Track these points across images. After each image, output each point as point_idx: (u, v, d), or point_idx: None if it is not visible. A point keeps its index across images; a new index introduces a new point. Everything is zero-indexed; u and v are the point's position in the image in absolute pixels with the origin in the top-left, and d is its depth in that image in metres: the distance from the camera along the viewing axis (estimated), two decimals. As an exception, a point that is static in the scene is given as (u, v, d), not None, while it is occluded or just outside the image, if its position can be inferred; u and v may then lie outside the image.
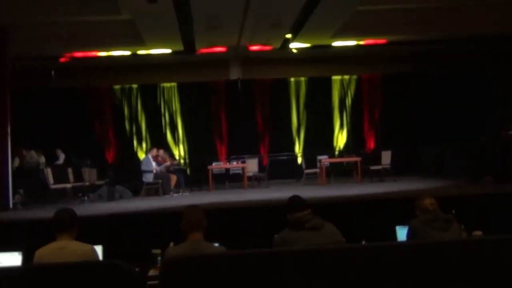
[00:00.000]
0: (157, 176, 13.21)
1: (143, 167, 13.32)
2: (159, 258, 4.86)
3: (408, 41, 14.59)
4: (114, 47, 13.93)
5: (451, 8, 12.60)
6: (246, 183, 14.15)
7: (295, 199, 4.59)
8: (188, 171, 15.96)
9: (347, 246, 3.63)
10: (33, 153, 13.74)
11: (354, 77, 17.35)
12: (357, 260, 2.74)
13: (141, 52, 14.37)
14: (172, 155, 15.32)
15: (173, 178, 13.46)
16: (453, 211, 5.47)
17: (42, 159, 13.96)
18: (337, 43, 14.54)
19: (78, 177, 13.09)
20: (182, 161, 16.53)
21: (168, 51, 14.39)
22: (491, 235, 3.31)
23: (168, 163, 13.82)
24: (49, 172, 12.30)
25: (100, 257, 4.54)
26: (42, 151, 14.17)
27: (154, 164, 13.41)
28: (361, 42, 14.70)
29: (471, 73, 16.10)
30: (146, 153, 14.27)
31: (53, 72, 15.51)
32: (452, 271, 2.71)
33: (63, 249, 4.03)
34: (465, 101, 15.98)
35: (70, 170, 13.12)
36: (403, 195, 10.10)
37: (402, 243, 4.41)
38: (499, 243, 2.85)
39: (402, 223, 5.18)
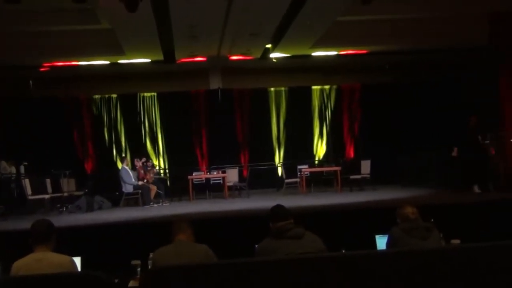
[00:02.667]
0: (137, 186, 13.13)
1: (123, 178, 13.23)
2: (138, 269, 4.82)
3: (386, 51, 14.76)
4: (94, 56, 13.87)
5: (426, 19, 12.83)
6: (226, 193, 14.12)
7: (278, 208, 4.59)
8: (168, 181, 15.88)
9: (327, 255, 3.64)
10: (4, 163, 13.58)
11: (334, 86, 17.46)
12: (337, 269, 2.75)
13: (120, 61, 14.32)
14: (153, 165, 15.21)
15: (153, 189, 13.39)
16: (432, 220, 5.51)
17: (13, 170, 13.79)
18: (316, 53, 14.64)
19: (56, 187, 12.93)
20: (162, 171, 16.45)
21: (148, 60, 14.36)
22: (469, 243, 3.34)
23: (148, 176, 13.70)
24: (27, 182, 12.15)
25: (79, 268, 4.48)
26: (13, 162, 14.00)
27: (132, 175, 13.34)
28: (341, 52, 14.82)
29: (447, 82, 16.35)
30: (122, 163, 14.16)
31: (31, 81, 15.38)
32: (431, 278, 2.73)
33: (41, 260, 3.97)
34: (443, 110, 16.21)
35: (48, 181, 12.96)
36: (382, 204, 10.17)
37: (382, 251, 4.43)
38: (476, 250, 2.88)
39: (381, 232, 5.20)
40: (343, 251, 4.57)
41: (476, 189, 10.74)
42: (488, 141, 10.72)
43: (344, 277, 2.71)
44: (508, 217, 8.72)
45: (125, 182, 13.16)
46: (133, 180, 13.32)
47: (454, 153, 10.85)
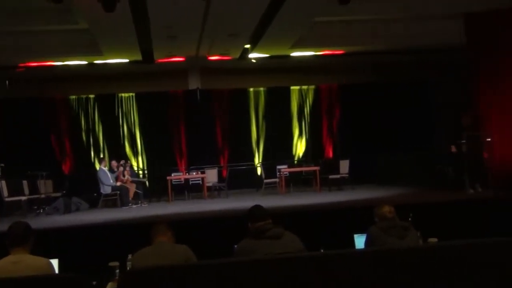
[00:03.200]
0: (115, 187, 13.04)
1: (101, 179, 13.13)
2: (117, 271, 4.79)
3: (364, 52, 14.86)
4: (71, 56, 13.73)
5: (403, 19, 12.98)
6: (205, 193, 14.10)
7: (257, 208, 4.60)
8: (147, 182, 15.80)
9: (306, 255, 3.66)
10: None
11: (312, 87, 17.52)
12: (316, 268, 2.76)
13: (98, 61, 14.20)
14: (131, 166, 15.09)
15: (132, 187, 13.32)
16: (411, 214, 5.57)
17: None
18: (295, 53, 14.68)
19: (34, 189, 12.80)
20: (141, 172, 16.35)
21: (126, 60, 14.27)
22: (446, 241, 3.39)
23: (124, 179, 13.60)
24: (3, 184, 12.00)
25: (56, 270, 4.44)
26: None
27: (110, 176, 13.26)
28: (319, 53, 14.88)
29: (426, 82, 16.58)
30: (100, 164, 14.04)
31: (7, 81, 15.17)
32: (409, 276, 2.76)
33: (17, 263, 3.93)
34: (420, 110, 16.42)
35: (25, 182, 12.81)
36: (361, 203, 10.25)
37: (360, 250, 4.46)
38: (453, 249, 2.92)
39: (360, 231, 5.24)
40: (322, 250, 4.60)
41: (471, 189, 10.74)
42: (464, 141, 10.83)
43: (323, 277, 2.73)
44: (484, 216, 8.86)
45: (103, 183, 13.07)
46: (111, 181, 13.23)
47: (453, 149, 10.87)
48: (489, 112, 11.21)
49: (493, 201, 9.70)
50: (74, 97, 16.39)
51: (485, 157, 11.03)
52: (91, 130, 16.39)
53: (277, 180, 14.67)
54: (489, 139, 10.78)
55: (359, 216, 6.53)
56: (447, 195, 11.03)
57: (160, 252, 4.32)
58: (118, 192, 12.89)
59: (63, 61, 14.03)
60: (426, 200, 10.29)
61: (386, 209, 4.98)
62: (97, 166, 15.19)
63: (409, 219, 5.44)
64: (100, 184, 13.12)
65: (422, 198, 10.92)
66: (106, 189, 13.02)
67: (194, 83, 16.28)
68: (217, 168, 15.20)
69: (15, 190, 12.37)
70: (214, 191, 14.61)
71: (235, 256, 4.18)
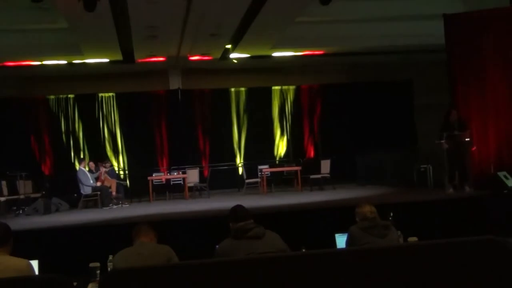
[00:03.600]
0: (95, 188, 12.96)
1: (80, 180, 13.03)
2: (98, 271, 4.76)
3: (345, 52, 14.95)
4: (50, 56, 13.62)
5: (382, 20, 13.11)
6: (187, 193, 14.06)
7: (238, 208, 4.61)
8: (128, 182, 15.70)
9: (288, 254, 3.67)
10: None
11: (293, 87, 17.56)
12: (297, 268, 2.77)
13: (78, 61, 14.09)
14: (111, 165, 14.96)
15: (113, 183, 13.24)
16: (391, 214, 5.61)
17: None
18: (276, 54, 14.71)
19: (13, 190, 12.66)
20: (122, 172, 16.25)
21: (106, 60, 14.18)
22: (426, 240, 3.42)
23: (103, 178, 13.51)
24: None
25: (37, 272, 4.40)
26: None
27: (90, 177, 13.17)
28: (300, 53, 14.93)
29: (407, 82, 16.75)
30: (80, 164, 13.93)
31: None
32: (389, 275, 2.78)
33: (-3, 264, 3.89)
34: (401, 110, 16.57)
35: (4, 183, 12.66)
36: (342, 203, 10.29)
37: (341, 250, 4.49)
38: (432, 248, 2.95)
39: (341, 230, 5.27)
40: (303, 250, 4.62)
41: (451, 188, 10.80)
42: (443, 140, 10.90)
43: (305, 276, 2.74)
44: (464, 214, 8.96)
45: (82, 184, 12.97)
46: (91, 181, 13.14)
47: (444, 146, 10.88)
48: (468, 113, 11.31)
49: (472, 200, 9.81)
50: (53, 97, 16.23)
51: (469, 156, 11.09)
52: (71, 130, 16.24)
53: (258, 180, 14.68)
54: (468, 139, 10.87)
55: (341, 215, 6.57)
56: (427, 195, 11.12)
57: (141, 253, 4.30)
58: (99, 192, 12.80)
59: (42, 61, 13.91)
60: (407, 199, 10.36)
61: (367, 209, 5.02)
62: (77, 167, 15.07)
63: (390, 218, 5.49)
64: (80, 184, 13.02)
65: (403, 197, 11.00)
66: (86, 190, 12.93)
67: (175, 83, 16.25)
68: (198, 168, 15.16)
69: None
70: (196, 191, 14.57)
71: (217, 256, 4.17)
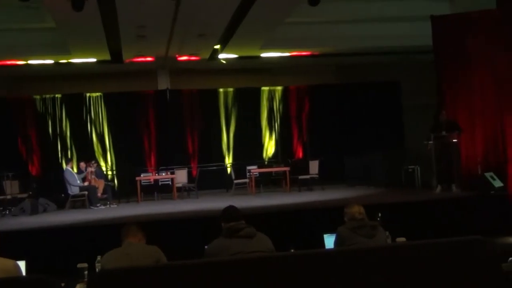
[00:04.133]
0: (82, 188, 12.89)
1: (68, 180, 12.95)
2: (85, 272, 4.74)
3: (333, 53, 15.00)
4: (37, 55, 13.53)
5: (371, 21, 13.17)
6: (175, 194, 14.03)
7: (230, 209, 4.61)
8: (116, 183, 15.63)
9: (277, 254, 3.67)
10: None
11: (282, 87, 17.57)
12: (286, 268, 2.78)
13: (65, 61, 14.01)
14: (99, 166, 14.89)
15: (101, 184, 13.18)
16: (379, 214, 5.63)
17: None
18: (265, 54, 14.72)
19: (-1, 190, 12.58)
20: (110, 172, 16.17)
21: (94, 60, 14.11)
22: (414, 241, 3.44)
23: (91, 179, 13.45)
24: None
25: (24, 272, 4.38)
26: None
27: (77, 177, 13.11)
28: (288, 54, 14.96)
29: (395, 83, 16.84)
30: (67, 164, 13.85)
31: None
32: (377, 275, 2.80)
33: (-17, 265, 3.86)
34: (388, 110, 16.65)
35: (-10, 183, 12.58)
36: (330, 204, 10.32)
37: (329, 250, 4.50)
38: (421, 248, 2.96)
39: (329, 231, 5.28)
40: (292, 250, 4.63)
41: (439, 189, 10.85)
42: (431, 141, 10.97)
43: (294, 276, 2.75)
44: (451, 215, 9.02)
45: (70, 184, 12.90)
46: (78, 181, 13.07)
47: (429, 146, 10.94)
48: (455, 114, 11.39)
49: (459, 200, 9.88)
50: (40, 96, 16.12)
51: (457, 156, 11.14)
52: (58, 130, 16.13)
53: (247, 180, 14.68)
54: (455, 140, 10.94)
55: (329, 216, 6.59)
56: (415, 195, 11.18)
57: (130, 253, 4.29)
58: (86, 192, 12.73)
59: (29, 60, 13.82)
60: (395, 200, 10.41)
61: (356, 209, 5.03)
62: (65, 167, 14.99)
63: (378, 219, 5.51)
64: (67, 185, 12.94)
65: (391, 198, 11.05)
66: (73, 190, 12.85)
67: (163, 83, 16.21)
68: (186, 168, 15.13)
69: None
70: (184, 192, 14.54)
71: (207, 254, 4.18)
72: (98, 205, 12.60)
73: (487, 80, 11.32)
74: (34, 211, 11.77)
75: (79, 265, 4.73)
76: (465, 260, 2.87)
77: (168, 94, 16.29)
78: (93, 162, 14.04)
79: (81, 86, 15.99)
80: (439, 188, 10.72)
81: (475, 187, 10.51)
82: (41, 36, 12.67)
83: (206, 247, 4.30)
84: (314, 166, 14.49)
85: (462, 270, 2.85)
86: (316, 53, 15.01)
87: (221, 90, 17.19)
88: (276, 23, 12.14)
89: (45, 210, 12.24)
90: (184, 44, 13.08)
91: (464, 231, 4.69)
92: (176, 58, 14.48)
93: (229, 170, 16.35)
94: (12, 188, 12.68)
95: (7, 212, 11.79)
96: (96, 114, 16.40)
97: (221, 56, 14.53)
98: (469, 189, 10.53)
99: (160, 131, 16.44)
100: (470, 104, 11.41)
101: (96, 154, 16.15)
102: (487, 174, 10.64)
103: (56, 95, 16.17)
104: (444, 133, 10.98)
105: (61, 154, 16.07)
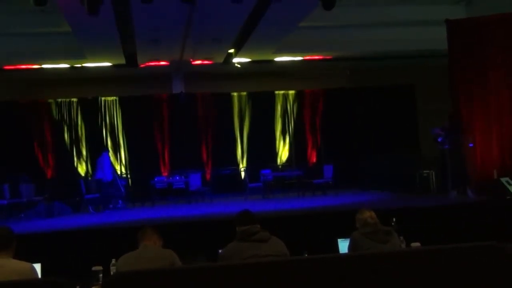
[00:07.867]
0: (111, 182, 13.02)
1: (106, 165, 13.16)
2: (100, 275, 4.77)
3: (348, 57, 14.98)
4: (53, 60, 13.65)
5: (387, 25, 13.13)
6: (189, 197, 14.05)
7: (245, 212, 4.61)
8: (130, 185, 15.70)
9: (290, 259, 3.67)
10: None
11: (296, 91, 17.54)
12: (300, 272, 2.78)
13: (80, 65, 14.11)
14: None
15: None
16: (394, 219, 5.60)
17: None
18: (279, 58, 14.72)
19: (15, 193, 12.66)
20: (124, 176, 16.24)
21: (109, 64, 14.20)
22: (429, 246, 3.42)
23: None
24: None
25: (39, 275, 4.41)
26: None
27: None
28: (303, 58, 14.95)
29: (411, 87, 16.78)
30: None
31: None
32: (392, 281, 2.78)
33: (1, 267, 3.90)
34: (403, 115, 16.57)
35: (6, 186, 12.68)
36: (344, 208, 10.28)
37: (343, 255, 4.48)
38: (435, 253, 2.94)
39: (343, 235, 5.27)
40: (306, 254, 4.62)
41: (454, 193, 10.78)
42: (447, 146, 10.91)
43: (307, 281, 2.74)
44: (466, 220, 8.94)
45: (105, 170, 13.18)
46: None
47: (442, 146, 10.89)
48: (471, 118, 11.31)
49: (474, 205, 9.80)
50: (54, 100, 16.23)
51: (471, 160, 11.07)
52: (73, 134, 16.25)
53: (261, 184, 14.67)
54: (472, 145, 10.87)
55: (343, 220, 6.56)
56: (430, 200, 11.11)
57: (145, 256, 4.31)
58: (99, 195, 12.83)
59: (46, 64, 13.94)
60: (409, 204, 10.35)
61: (367, 215, 5.02)
62: (80, 170, 15.15)
63: (392, 224, 5.49)
64: (99, 169, 13.06)
65: (406, 202, 10.98)
66: (107, 176, 13.00)
67: (177, 87, 16.25)
68: (200, 172, 15.16)
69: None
70: (198, 196, 14.57)
71: (221, 258, 4.19)
72: (111, 206, 12.69)
73: (502, 83, 11.23)
74: (50, 214, 11.87)
75: (93, 268, 4.76)
76: (480, 266, 2.84)
77: (182, 98, 16.31)
78: None
79: (96, 90, 16.10)
80: (453, 195, 10.65)
81: (490, 191, 10.42)
82: (56, 41, 12.77)
83: (220, 251, 4.31)
84: (328, 171, 14.46)
85: (477, 276, 2.83)
86: (330, 57, 14.99)
87: (235, 94, 17.20)
88: (291, 28, 12.13)
89: (60, 213, 12.33)
90: (199, 48, 13.12)
91: (479, 236, 4.66)
92: (190, 62, 14.53)
93: (242, 174, 16.35)
94: (27, 191, 12.78)
95: (23, 215, 11.88)
96: (111, 117, 16.49)
97: (235, 60, 14.55)
98: (484, 194, 10.45)
99: (174, 135, 16.48)
100: (486, 108, 11.32)
101: (111, 157, 16.22)
102: (503, 179, 10.54)
103: (72, 99, 16.30)
104: (458, 136, 10.93)
105: (76, 157, 16.18)
